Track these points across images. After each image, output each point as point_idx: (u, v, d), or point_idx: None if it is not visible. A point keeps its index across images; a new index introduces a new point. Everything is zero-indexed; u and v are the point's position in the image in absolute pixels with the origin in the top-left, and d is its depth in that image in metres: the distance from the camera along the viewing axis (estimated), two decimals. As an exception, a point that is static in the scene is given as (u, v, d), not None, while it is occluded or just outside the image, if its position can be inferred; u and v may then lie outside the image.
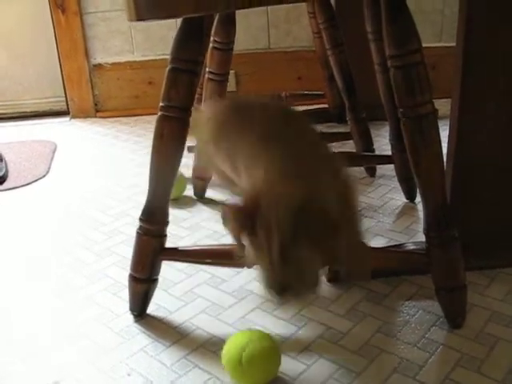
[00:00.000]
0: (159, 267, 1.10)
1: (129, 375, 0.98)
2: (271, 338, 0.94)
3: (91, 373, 0.99)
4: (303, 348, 1.01)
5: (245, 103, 1.04)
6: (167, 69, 0.98)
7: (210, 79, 1.47)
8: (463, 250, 1.00)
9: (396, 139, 1.49)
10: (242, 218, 0.75)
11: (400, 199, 1.59)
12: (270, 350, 0.92)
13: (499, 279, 1.19)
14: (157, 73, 2.54)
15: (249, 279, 1.24)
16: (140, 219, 1.06)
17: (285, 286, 0.77)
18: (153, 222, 1.05)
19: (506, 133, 1.14)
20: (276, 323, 1.08)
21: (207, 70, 1.46)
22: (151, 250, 1.07)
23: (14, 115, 2.75)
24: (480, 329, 1.04)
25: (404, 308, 1.12)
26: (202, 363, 1.00)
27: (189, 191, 1.68)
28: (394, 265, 1.14)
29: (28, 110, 2.78)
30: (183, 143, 1.00)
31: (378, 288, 1.18)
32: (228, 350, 0.92)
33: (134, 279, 1.10)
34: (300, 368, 0.97)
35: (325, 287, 1.18)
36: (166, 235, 1.08)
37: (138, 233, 1.07)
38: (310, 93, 2.33)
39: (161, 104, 1.00)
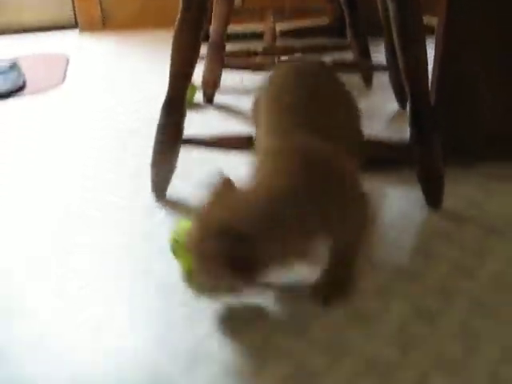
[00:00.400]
0: (177, 155, 1.25)
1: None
2: None
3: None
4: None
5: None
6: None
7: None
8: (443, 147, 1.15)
9: (390, 50, 1.62)
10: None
11: (394, 106, 1.73)
12: None
13: (476, 172, 1.34)
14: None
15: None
16: (161, 110, 1.20)
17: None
18: (171, 111, 1.19)
19: (487, 46, 1.27)
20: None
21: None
22: (171, 138, 1.22)
23: (22, 28, 2.83)
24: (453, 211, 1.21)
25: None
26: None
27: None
28: (381, 153, 1.28)
29: (35, 23, 2.86)
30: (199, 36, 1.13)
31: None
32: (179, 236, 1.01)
33: (156, 165, 1.25)
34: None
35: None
36: (183, 129, 1.22)
37: (158, 124, 1.21)
38: (312, 6, 2.42)
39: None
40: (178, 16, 1.12)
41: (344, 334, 0.91)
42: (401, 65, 1.11)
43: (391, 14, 1.08)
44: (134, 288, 1.03)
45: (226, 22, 1.65)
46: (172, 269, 1.06)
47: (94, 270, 1.08)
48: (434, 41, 1.30)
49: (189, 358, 0.87)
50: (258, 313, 0.95)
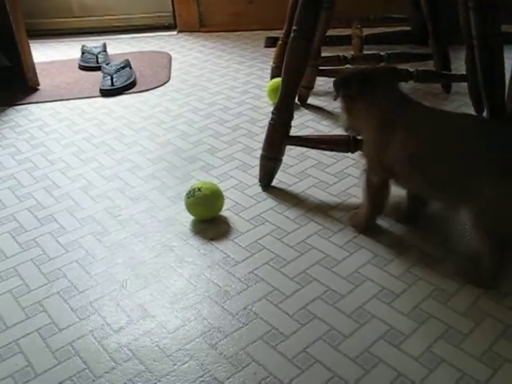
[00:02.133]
0: (284, 150, 1.48)
1: (263, 224, 1.38)
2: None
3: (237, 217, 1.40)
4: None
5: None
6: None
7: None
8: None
9: (470, 62, 1.79)
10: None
11: (470, 112, 1.90)
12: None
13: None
14: (256, -7, 2.86)
15: (347, 164, 1.61)
16: (272, 112, 1.44)
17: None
18: (282, 114, 1.43)
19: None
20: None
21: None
22: (280, 136, 1.45)
23: (125, 28, 3.11)
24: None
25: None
26: (318, 218, 1.40)
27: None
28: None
29: (138, 23, 3.13)
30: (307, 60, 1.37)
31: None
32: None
33: (265, 158, 1.49)
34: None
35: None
36: (291, 126, 1.45)
37: (270, 123, 1.45)
38: (394, 16, 2.60)
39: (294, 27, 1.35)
40: (290, 42, 1.34)
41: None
42: (479, 76, 1.30)
43: (472, 24, 1.27)
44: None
45: (325, 32, 1.86)
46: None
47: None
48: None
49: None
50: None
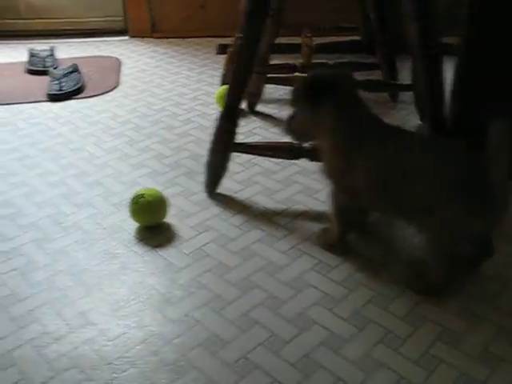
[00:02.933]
0: (229, 157, 1.49)
1: (207, 231, 1.39)
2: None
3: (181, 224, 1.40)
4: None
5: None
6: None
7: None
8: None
9: (416, 71, 1.83)
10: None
11: (417, 121, 1.94)
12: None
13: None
14: (208, -2, 2.86)
15: (293, 171, 1.62)
16: (217, 119, 1.44)
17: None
18: (227, 121, 1.43)
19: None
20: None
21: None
22: (225, 143, 1.45)
23: (75, 32, 3.07)
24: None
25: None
26: (262, 225, 1.40)
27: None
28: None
29: (88, 27, 3.09)
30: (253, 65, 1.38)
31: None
32: None
33: (210, 164, 1.49)
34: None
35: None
36: (236, 133, 1.45)
37: (215, 130, 1.45)
38: (344, 26, 2.63)
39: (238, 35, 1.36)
40: (235, 50, 1.35)
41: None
42: (420, 86, 1.33)
43: (413, 34, 1.29)
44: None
45: (273, 40, 1.87)
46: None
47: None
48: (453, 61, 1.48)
49: (243, 320, 1.10)
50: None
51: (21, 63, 2.59)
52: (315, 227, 1.40)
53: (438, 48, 1.32)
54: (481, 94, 1.47)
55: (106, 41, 2.96)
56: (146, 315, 1.15)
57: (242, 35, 1.36)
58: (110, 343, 1.09)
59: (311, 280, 1.23)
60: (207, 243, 1.36)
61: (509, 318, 1.12)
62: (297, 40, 2.31)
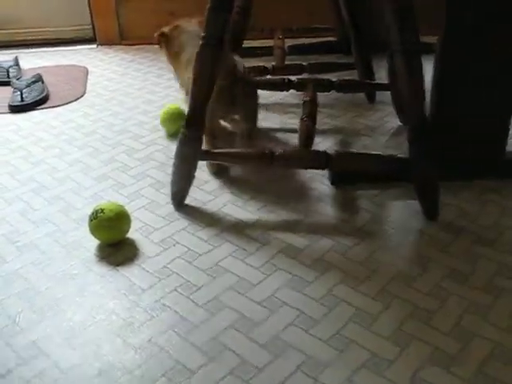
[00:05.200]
0: (196, 166, 1.38)
1: (174, 246, 1.28)
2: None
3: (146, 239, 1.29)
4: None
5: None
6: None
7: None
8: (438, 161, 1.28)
9: (393, 69, 1.74)
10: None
11: (395, 122, 1.85)
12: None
13: (470, 186, 1.46)
14: (178, 5, 2.75)
15: (266, 179, 1.52)
16: (182, 127, 1.33)
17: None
18: (194, 128, 1.32)
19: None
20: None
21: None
22: (192, 152, 1.34)
23: (41, 42, 2.96)
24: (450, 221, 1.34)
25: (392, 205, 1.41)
26: (233, 238, 1.29)
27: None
28: (380, 168, 1.41)
29: (55, 36, 2.98)
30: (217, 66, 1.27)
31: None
32: None
33: (177, 175, 1.39)
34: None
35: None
36: (202, 140, 1.35)
37: (180, 139, 1.34)
38: (319, 26, 2.54)
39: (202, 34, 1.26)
40: (199, 50, 1.25)
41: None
42: (400, 84, 1.24)
43: (391, 30, 1.20)
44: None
45: (242, 40, 1.77)
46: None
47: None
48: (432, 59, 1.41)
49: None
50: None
51: (-18, 75, 2.46)
52: (290, 238, 1.29)
53: (419, 44, 1.23)
54: (459, 98, 1.40)
55: (73, 50, 2.85)
56: (105, 343, 1.04)
57: (205, 33, 1.25)
58: (62, 376, 0.99)
59: (286, 298, 1.13)
60: (173, 260, 1.25)
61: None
62: (270, 43, 2.23)
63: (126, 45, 2.87)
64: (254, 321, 1.08)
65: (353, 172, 1.51)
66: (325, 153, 1.34)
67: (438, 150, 1.28)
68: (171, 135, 1.81)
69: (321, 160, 1.34)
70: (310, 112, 1.56)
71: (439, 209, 1.34)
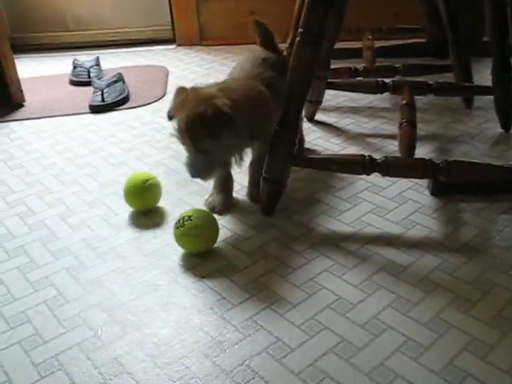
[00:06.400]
0: (289, 172, 1.28)
1: (265, 258, 1.19)
2: None
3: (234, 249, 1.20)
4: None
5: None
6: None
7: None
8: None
9: (497, 71, 1.60)
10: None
11: (496, 129, 1.71)
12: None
13: None
14: (258, 4, 2.68)
15: (361, 188, 1.41)
16: (275, 128, 1.24)
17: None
18: (286, 131, 1.23)
19: None
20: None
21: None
22: (283, 156, 1.25)
23: (122, 42, 2.94)
24: None
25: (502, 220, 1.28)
26: (328, 251, 1.19)
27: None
28: (492, 177, 1.28)
29: (135, 37, 2.97)
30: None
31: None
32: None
33: (267, 181, 1.29)
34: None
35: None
36: (296, 144, 1.25)
37: (272, 142, 1.25)
38: (408, 27, 2.41)
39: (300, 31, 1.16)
40: (295, 48, 1.16)
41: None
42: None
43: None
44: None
45: (335, 41, 1.67)
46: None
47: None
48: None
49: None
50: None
51: (65, 75, 2.47)
52: (390, 254, 1.18)
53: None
54: None
55: (152, 50, 2.82)
56: (193, 363, 0.96)
57: (303, 30, 1.16)
58: (148, 399, 0.90)
59: (390, 321, 1.02)
60: (264, 274, 1.16)
61: None
62: (357, 45, 2.12)
63: (205, 45, 2.81)
64: (355, 345, 0.97)
65: (455, 182, 1.38)
66: (431, 161, 1.22)
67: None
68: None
69: (427, 169, 1.22)
70: (410, 117, 1.44)
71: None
